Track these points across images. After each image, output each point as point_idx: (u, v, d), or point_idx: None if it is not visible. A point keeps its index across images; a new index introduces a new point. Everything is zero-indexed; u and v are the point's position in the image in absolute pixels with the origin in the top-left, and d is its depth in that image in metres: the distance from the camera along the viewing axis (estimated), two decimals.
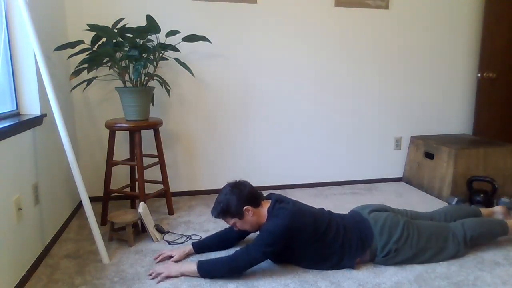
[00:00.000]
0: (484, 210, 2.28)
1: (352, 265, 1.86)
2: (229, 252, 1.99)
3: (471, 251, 2.04)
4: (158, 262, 1.95)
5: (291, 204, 1.87)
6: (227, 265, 1.75)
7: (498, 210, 2.30)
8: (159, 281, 1.75)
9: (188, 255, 2.02)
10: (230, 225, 1.94)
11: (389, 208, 2.09)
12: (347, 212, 2.11)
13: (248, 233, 2.08)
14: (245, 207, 1.84)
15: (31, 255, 1.82)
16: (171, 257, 1.97)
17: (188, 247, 2.04)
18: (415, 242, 1.88)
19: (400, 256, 1.87)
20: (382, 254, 1.87)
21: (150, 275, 1.80)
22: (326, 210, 2.01)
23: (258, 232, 1.91)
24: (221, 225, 2.36)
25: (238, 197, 1.84)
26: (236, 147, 3.05)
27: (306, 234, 1.78)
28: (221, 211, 1.86)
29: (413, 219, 2.04)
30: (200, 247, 2.05)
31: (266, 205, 1.90)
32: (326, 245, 1.82)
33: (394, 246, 1.85)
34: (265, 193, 3.01)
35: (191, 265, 1.79)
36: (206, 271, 1.77)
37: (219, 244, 2.08)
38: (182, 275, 1.79)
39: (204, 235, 2.22)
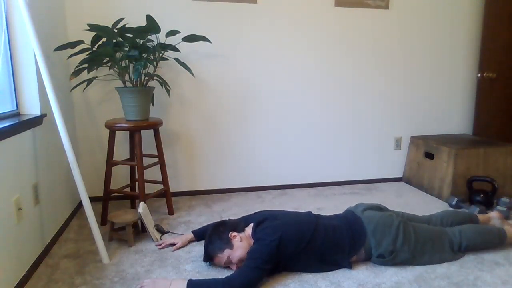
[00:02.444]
0: (481, 217, 2.25)
1: (347, 265, 1.86)
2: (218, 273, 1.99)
3: (471, 252, 2.04)
4: (160, 248, 2.07)
5: (272, 220, 1.86)
6: (222, 287, 1.60)
7: (494, 215, 2.27)
8: None
9: (190, 242, 2.14)
10: (225, 265, 1.85)
11: (384, 207, 2.08)
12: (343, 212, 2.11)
13: (245, 227, 2.04)
14: (230, 233, 1.85)
15: (31, 255, 1.82)
16: (173, 244, 2.08)
17: (190, 234, 2.16)
18: (412, 245, 1.87)
19: (398, 258, 1.86)
20: (376, 253, 1.86)
21: None
22: (313, 214, 2.00)
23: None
24: None
25: (221, 228, 1.88)
26: (236, 147, 3.05)
27: (293, 243, 1.78)
28: (211, 250, 1.83)
29: (410, 221, 2.04)
30: (200, 234, 2.13)
31: (249, 230, 1.90)
32: (316, 250, 1.81)
33: (390, 248, 1.85)
34: (265, 193, 3.06)
35: (180, 284, 1.64)
36: None
37: None
38: None
39: None
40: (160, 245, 2.09)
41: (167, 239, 2.14)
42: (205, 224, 2.41)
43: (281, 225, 1.82)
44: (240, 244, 1.82)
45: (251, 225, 1.92)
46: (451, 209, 2.35)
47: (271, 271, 1.77)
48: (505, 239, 2.06)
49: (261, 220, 1.89)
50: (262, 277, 1.70)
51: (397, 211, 2.12)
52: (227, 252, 1.81)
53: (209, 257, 1.87)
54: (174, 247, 2.07)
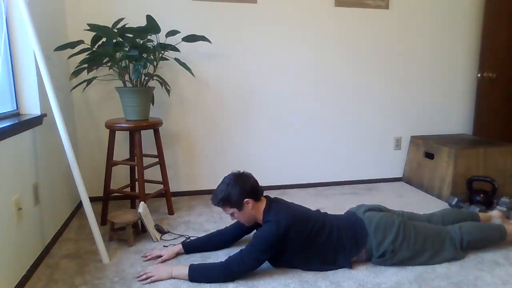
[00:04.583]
0: (482, 215, 2.26)
1: (348, 265, 1.86)
2: (218, 255, 2.01)
3: (471, 251, 2.04)
4: (146, 260, 1.95)
5: (285, 207, 1.86)
6: (221, 271, 1.72)
7: (495, 214, 2.28)
8: (147, 283, 1.73)
9: (177, 255, 2.00)
10: (228, 214, 1.91)
11: (385, 208, 2.08)
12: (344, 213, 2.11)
13: (241, 235, 2.09)
14: (245, 200, 1.83)
15: (31, 255, 1.82)
16: (160, 256, 1.96)
17: (178, 246, 2.02)
18: (412, 243, 1.87)
19: (397, 257, 1.86)
20: (377, 254, 1.86)
21: (139, 277, 1.75)
22: (321, 211, 2.01)
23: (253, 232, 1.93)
24: (221, 225, 2.36)
25: (241, 188, 1.83)
26: (236, 147, 3.05)
27: (300, 237, 1.79)
28: (221, 200, 1.84)
29: (410, 220, 2.04)
30: (190, 247, 2.03)
31: (263, 203, 1.89)
32: (319, 246, 1.82)
33: (390, 247, 1.85)
34: (265, 193, 3.04)
35: (182, 269, 1.75)
36: (198, 275, 1.73)
37: (209, 246, 2.06)
38: (173, 278, 1.76)
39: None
40: (146, 256, 1.98)
41: (154, 251, 2.01)
42: (205, 224, 2.42)
43: (293, 214, 1.82)
44: (249, 212, 1.86)
45: (266, 201, 1.91)
46: (451, 208, 2.35)
47: (273, 258, 1.81)
48: (506, 235, 2.06)
49: (275, 200, 1.91)
50: (261, 264, 1.76)
51: (397, 211, 2.12)
52: (233, 210, 1.86)
53: (218, 200, 1.84)
54: (160, 259, 1.94)
